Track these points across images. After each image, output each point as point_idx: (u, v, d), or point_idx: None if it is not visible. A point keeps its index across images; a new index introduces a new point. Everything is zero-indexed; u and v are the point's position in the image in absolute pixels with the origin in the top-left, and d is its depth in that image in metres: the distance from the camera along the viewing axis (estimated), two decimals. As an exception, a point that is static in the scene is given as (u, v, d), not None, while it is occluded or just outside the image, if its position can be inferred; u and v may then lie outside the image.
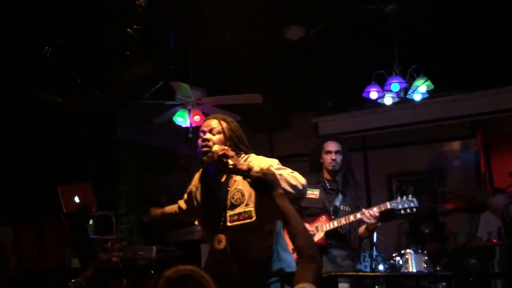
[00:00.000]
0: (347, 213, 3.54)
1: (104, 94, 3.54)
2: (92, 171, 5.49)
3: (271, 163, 2.42)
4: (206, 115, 5.14)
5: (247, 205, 2.46)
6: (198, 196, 2.65)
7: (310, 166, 3.79)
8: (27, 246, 4.82)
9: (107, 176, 5.78)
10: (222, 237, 2.47)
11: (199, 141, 2.56)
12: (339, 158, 3.63)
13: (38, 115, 4.89)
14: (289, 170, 2.39)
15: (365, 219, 3.40)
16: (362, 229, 3.58)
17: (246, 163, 2.31)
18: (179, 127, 5.23)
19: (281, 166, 2.42)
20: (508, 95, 5.81)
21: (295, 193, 2.30)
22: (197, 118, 5.04)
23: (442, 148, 6.72)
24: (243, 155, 2.53)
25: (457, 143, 6.68)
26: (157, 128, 5.81)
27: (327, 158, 3.64)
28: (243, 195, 2.47)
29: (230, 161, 2.27)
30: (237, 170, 2.26)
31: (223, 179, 2.54)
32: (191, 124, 5.08)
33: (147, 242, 4.94)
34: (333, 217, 3.55)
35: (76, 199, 4.28)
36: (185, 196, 2.81)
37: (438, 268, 4.36)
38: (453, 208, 5.09)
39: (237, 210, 2.47)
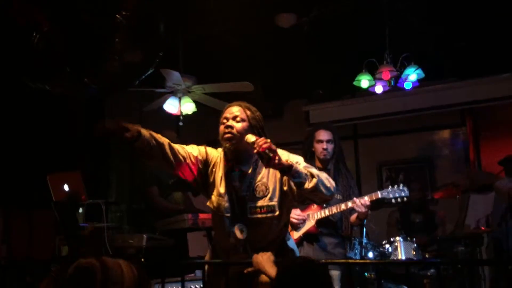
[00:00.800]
0: (339, 202, 3.56)
1: (93, 82, 3.51)
2: (82, 159, 5.46)
3: (297, 160, 2.38)
4: (197, 103, 5.18)
5: (271, 199, 2.44)
6: (220, 179, 2.51)
7: (303, 155, 3.79)
8: (18, 235, 4.81)
9: (97, 164, 5.75)
10: (242, 227, 2.43)
11: (221, 127, 2.47)
12: (330, 147, 3.63)
13: (27, 103, 4.85)
14: (317, 170, 2.34)
15: (356, 208, 3.42)
16: (353, 217, 3.60)
17: (287, 159, 2.26)
18: (170, 115, 5.21)
19: (308, 165, 2.39)
20: (498, 83, 5.83)
21: (328, 196, 2.29)
22: (187, 106, 5.02)
23: (432, 137, 6.74)
24: None
25: (447, 131, 6.71)
26: (147, 116, 5.77)
27: (319, 147, 3.64)
28: (267, 188, 2.45)
29: (276, 157, 2.18)
30: (279, 165, 2.20)
31: (249, 171, 2.48)
32: (181, 112, 5.06)
33: (137, 230, 4.94)
34: (324, 205, 3.56)
35: (66, 188, 4.26)
36: (191, 150, 2.52)
37: (427, 256, 4.41)
38: (443, 196, 5.12)
39: (260, 203, 2.44)
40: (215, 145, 2.64)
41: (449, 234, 5.01)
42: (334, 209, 3.50)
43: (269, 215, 2.43)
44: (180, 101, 5.03)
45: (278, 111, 7.35)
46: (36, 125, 5.12)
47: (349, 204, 3.46)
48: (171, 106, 5.04)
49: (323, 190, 2.24)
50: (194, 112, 5.18)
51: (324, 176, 2.31)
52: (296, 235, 3.56)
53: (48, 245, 4.68)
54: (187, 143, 2.64)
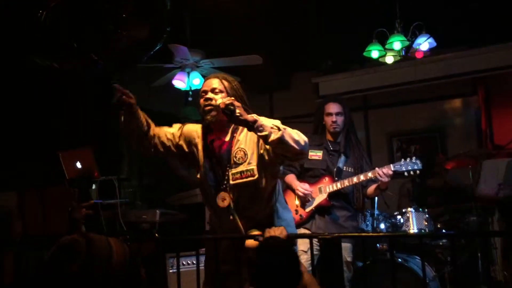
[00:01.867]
0: (350, 174, 3.55)
1: (101, 58, 3.49)
2: (93, 136, 5.48)
3: (277, 123, 2.43)
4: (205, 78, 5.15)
5: (249, 163, 2.51)
6: (200, 151, 2.63)
7: (314, 128, 3.78)
8: (32, 212, 4.86)
9: (108, 141, 5.77)
10: (226, 195, 2.53)
11: (201, 100, 2.58)
12: (340, 119, 3.61)
13: (37, 80, 4.84)
14: (287, 127, 2.41)
15: (379, 178, 3.39)
16: (371, 188, 3.58)
17: (252, 115, 2.34)
18: (179, 90, 5.19)
19: (279, 122, 2.43)
20: (509, 51, 5.73)
21: (297, 148, 2.32)
22: (196, 81, 4.99)
23: (443, 106, 6.67)
24: None
25: (459, 100, 6.63)
26: (156, 91, 5.76)
27: (328, 120, 3.63)
28: (245, 154, 2.52)
29: (237, 110, 2.29)
30: (243, 120, 2.30)
31: (226, 138, 2.57)
32: (190, 87, 5.04)
33: (150, 206, 4.99)
34: (336, 178, 3.56)
35: (78, 165, 4.29)
36: (175, 130, 2.70)
37: (438, 226, 4.41)
38: (456, 166, 5.10)
39: (240, 169, 2.51)
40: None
41: (461, 203, 5.01)
42: (346, 182, 3.50)
43: (249, 179, 2.50)
44: (188, 76, 5.00)
45: (286, 83, 7.30)
46: (46, 103, 5.13)
47: (362, 177, 3.45)
48: (180, 81, 5.02)
49: (291, 142, 2.29)
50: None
51: (294, 131, 2.36)
52: (308, 208, 3.57)
53: (62, 221, 4.73)
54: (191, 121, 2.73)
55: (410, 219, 4.06)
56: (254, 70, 5.45)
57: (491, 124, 6.28)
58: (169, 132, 2.68)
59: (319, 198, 3.55)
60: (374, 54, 4.77)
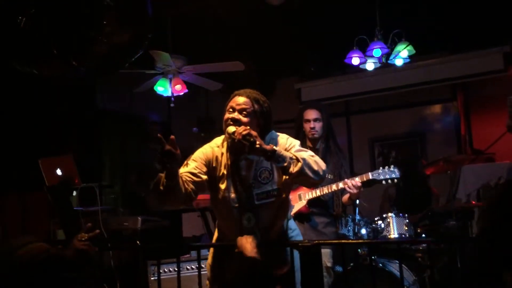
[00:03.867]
0: (330, 181, 3.57)
1: (82, 65, 3.47)
2: (74, 142, 5.44)
3: (294, 144, 2.41)
4: (188, 84, 5.15)
5: (274, 183, 2.45)
6: (222, 170, 2.47)
7: (294, 134, 3.80)
8: (12, 218, 4.81)
9: (89, 147, 5.73)
10: (251, 215, 2.43)
11: (227, 115, 2.42)
12: (318, 125, 3.63)
13: (18, 86, 4.79)
14: (309, 153, 2.37)
15: (348, 190, 3.44)
16: (345, 197, 3.62)
17: (270, 144, 2.29)
18: (161, 96, 5.18)
19: (302, 149, 2.41)
20: (488, 57, 5.84)
21: (316, 179, 2.30)
22: (178, 87, 4.99)
23: (424, 112, 6.77)
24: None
25: (438, 106, 6.73)
26: (138, 97, 5.74)
27: (307, 127, 3.65)
28: (270, 173, 2.45)
29: (257, 142, 2.22)
30: (261, 151, 2.23)
31: (255, 158, 2.45)
32: (172, 93, 5.03)
33: (132, 213, 4.96)
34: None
35: (58, 172, 4.25)
36: (195, 166, 2.44)
37: (419, 230, 4.46)
38: (435, 171, 5.16)
39: (265, 188, 2.45)
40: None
41: (441, 208, 5.07)
42: (325, 190, 3.52)
43: (275, 198, 2.45)
44: (170, 82, 5.00)
45: (270, 89, 7.32)
46: (27, 109, 5.08)
47: (340, 185, 3.48)
48: (162, 87, 5.01)
49: (310, 173, 2.26)
50: (185, 93, 5.16)
51: (312, 159, 2.30)
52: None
53: (42, 228, 4.69)
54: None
55: (391, 224, 4.09)
56: (237, 76, 5.48)
57: (470, 129, 6.39)
58: (192, 170, 2.42)
59: (299, 205, 3.57)
60: (355, 61, 4.82)
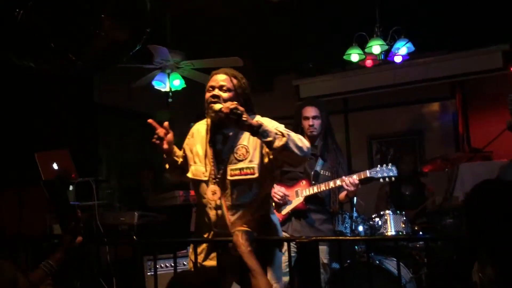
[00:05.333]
0: (327, 178, 3.57)
1: (80, 59, 3.45)
2: (71, 137, 5.42)
3: (278, 125, 2.41)
4: (186, 79, 5.13)
5: (250, 161, 2.46)
6: (198, 148, 2.58)
7: (293, 131, 3.79)
8: (8, 212, 4.78)
9: (86, 142, 5.71)
10: (217, 188, 2.46)
11: (207, 95, 2.49)
12: (316, 123, 3.62)
13: (15, 80, 4.77)
14: (294, 133, 2.39)
15: (345, 187, 3.43)
16: (342, 195, 3.62)
17: (256, 119, 2.32)
18: (159, 91, 5.16)
19: (288, 130, 2.41)
20: (486, 56, 5.84)
21: (300, 155, 2.31)
22: (176, 82, 4.97)
23: (422, 110, 6.77)
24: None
25: (436, 104, 6.73)
26: (136, 92, 5.72)
27: (305, 124, 3.64)
28: (247, 151, 2.47)
29: (244, 116, 2.25)
30: (248, 125, 2.26)
31: (230, 133, 2.51)
32: (170, 88, 5.02)
33: (129, 208, 4.95)
34: (313, 182, 3.58)
35: (55, 166, 4.23)
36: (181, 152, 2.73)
37: (416, 228, 4.46)
38: (432, 169, 5.16)
39: (240, 165, 2.46)
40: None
41: (438, 206, 5.07)
42: (323, 186, 3.52)
43: (248, 176, 2.45)
44: (169, 77, 4.98)
45: (268, 86, 7.31)
46: (23, 103, 5.05)
47: (338, 182, 3.47)
48: (160, 82, 4.99)
49: (294, 149, 2.28)
50: (183, 88, 5.14)
51: (297, 136, 2.34)
52: (284, 211, 3.58)
53: (39, 223, 4.67)
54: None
55: (388, 222, 4.09)
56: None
57: (468, 127, 6.39)
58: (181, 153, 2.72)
59: (296, 201, 3.57)
60: (354, 57, 4.81)
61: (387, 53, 4.78)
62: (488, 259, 1.53)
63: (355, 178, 3.44)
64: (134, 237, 3.93)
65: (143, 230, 4.09)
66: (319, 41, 5.74)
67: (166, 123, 2.52)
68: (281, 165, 2.49)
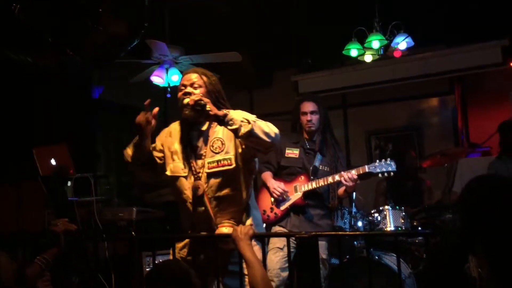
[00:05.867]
0: (326, 173, 3.56)
1: (77, 54, 3.43)
2: (69, 133, 5.39)
3: (248, 116, 2.43)
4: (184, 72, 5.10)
5: (226, 152, 2.53)
6: (175, 146, 2.63)
7: (291, 126, 3.79)
8: (6, 208, 4.76)
9: (84, 138, 5.69)
10: (200, 183, 2.51)
11: (180, 94, 2.57)
12: (315, 118, 3.62)
13: (13, 75, 4.74)
14: (258, 119, 2.43)
15: (344, 182, 3.43)
16: (341, 190, 3.62)
17: (223, 110, 2.39)
18: (157, 86, 5.14)
19: (258, 119, 2.45)
20: (486, 50, 5.82)
21: (268, 141, 2.36)
22: (175, 77, 4.95)
23: (421, 105, 6.76)
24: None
25: (435, 99, 6.72)
26: (134, 87, 5.69)
27: (304, 119, 3.64)
28: (223, 143, 2.54)
29: (208, 106, 2.34)
30: (213, 115, 2.34)
31: (204, 127, 2.59)
32: (168, 83, 4.99)
33: (127, 203, 4.93)
34: (312, 177, 3.57)
35: (53, 161, 4.21)
36: (154, 145, 2.75)
37: (415, 223, 4.46)
38: (431, 165, 5.16)
39: (216, 158, 2.53)
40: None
41: (437, 202, 5.07)
42: (321, 182, 3.51)
43: (226, 167, 2.51)
44: (167, 72, 4.96)
45: (267, 81, 7.29)
46: (21, 98, 5.03)
47: (336, 177, 3.47)
48: (158, 77, 4.97)
49: (261, 135, 2.33)
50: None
51: (264, 123, 2.39)
52: (283, 206, 3.58)
53: (37, 218, 4.65)
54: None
55: (387, 217, 4.09)
56: (235, 68, 5.44)
57: (467, 123, 6.38)
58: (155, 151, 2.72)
59: (294, 197, 3.56)
60: (353, 52, 4.80)
61: (386, 48, 4.76)
62: (482, 255, 1.53)
63: (353, 173, 3.43)
64: (133, 232, 3.92)
65: (142, 226, 4.08)
66: (318, 36, 5.71)
67: (156, 110, 2.57)
68: (253, 153, 2.54)
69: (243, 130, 2.31)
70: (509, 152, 4.24)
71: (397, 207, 4.11)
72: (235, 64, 4.99)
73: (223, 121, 2.35)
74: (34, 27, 3.24)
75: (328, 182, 3.51)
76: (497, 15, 5.12)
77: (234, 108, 2.54)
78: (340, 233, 3.61)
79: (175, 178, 2.60)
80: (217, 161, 2.52)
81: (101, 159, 6.14)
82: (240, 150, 2.52)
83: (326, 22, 5.39)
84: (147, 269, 3.73)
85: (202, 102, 2.36)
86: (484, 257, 1.51)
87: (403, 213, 4.11)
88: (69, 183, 4.47)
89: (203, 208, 2.52)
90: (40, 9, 3.21)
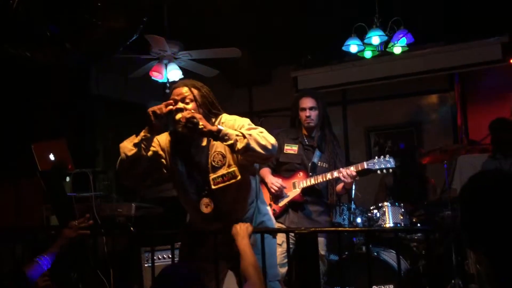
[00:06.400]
0: (325, 170, 3.56)
1: (76, 48, 3.41)
2: (67, 128, 5.38)
3: (242, 123, 2.44)
4: (183, 70, 5.09)
5: (229, 166, 2.48)
6: (177, 161, 2.56)
7: (290, 122, 3.77)
8: (5, 204, 4.76)
9: (83, 133, 5.67)
10: (209, 200, 2.48)
11: (167, 108, 2.45)
12: (314, 114, 3.61)
13: (11, 70, 4.73)
14: (259, 130, 2.40)
15: (342, 179, 3.42)
16: (339, 187, 3.61)
17: (216, 124, 2.36)
18: (156, 82, 5.12)
19: (252, 126, 2.44)
20: (486, 47, 5.80)
21: (264, 153, 2.32)
22: (173, 72, 4.93)
23: (420, 102, 6.75)
24: (215, 119, 2.53)
25: (435, 96, 6.71)
26: (133, 83, 5.67)
27: (302, 115, 3.62)
28: (224, 156, 2.49)
29: (200, 123, 2.29)
30: (207, 132, 2.30)
31: (203, 143, 2.52)
32: (167, 79, 4.97)
33: (126, 199, 4.92)
34: (310, 173, 3.56)
35: (51, 157, 4.20)
36: (153, 151, 2.58)
37: (414, 220, 4.45)
38: (431, 161, 5.15)
39: (220, 172, 2.48)
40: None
41: (436, 198, 5.06)
42: (320, 178, 3.51)
43: (231, 181, 2.48)
44: (166, 68, 4.94)
45: (267, 77, 7.28)
46: (20, 93, 5.01)
47: (335, 173, 3.46)
48: (157, 73, 4.95)
49: (258, 148, 2.29)
50: (180, 79, 5.09)
51: (260, 135, 2.34)
52: (281, 203, 3.57)
53: (35, 213, 4.65)
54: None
55: (386, 214, 4.09)
56: (234, 64, 5.42)
57: (467, 120, 6.38)
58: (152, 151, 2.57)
59: (293, 193, 3.55)
60: (353, 48, 4.78)
61: (386, 44, 4.75)
62: (481, 251, 1.53)
63: (352, 169, 3.43)
64: (132, 228, 3.91)
65: (141, 222, 4.07)
66: (318, 32, 5.69)
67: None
68: (252, 162, 2.52)
69: (239, 145, 2.28)
70: (502, 151, 4.24)
71: (396, 203, 4.11)
72: (234, 60, 4.97)
73: (217, 136, 2.31)
74: (32, 21, 3.22)
75: (327, 179, 3.50)
76: (497, 11, 5.11)
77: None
78: (339, 228, 3.61)
79: (184, 195, 2.59)
80: (222, 176, 2.48)
81: (100, 154, 6.12)
82: (240, 158, 2.46)
83: (325, 18, 5.37)
84: (146, 265, 3.73)
85: (194, 120, 2.30)
86: (484, 253, 1.51)
87: (402, 210, 4.10)
88: (67, 179, 4.46)
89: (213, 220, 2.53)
90: (39, 3, 3.19)
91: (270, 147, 2.33)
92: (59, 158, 4.19)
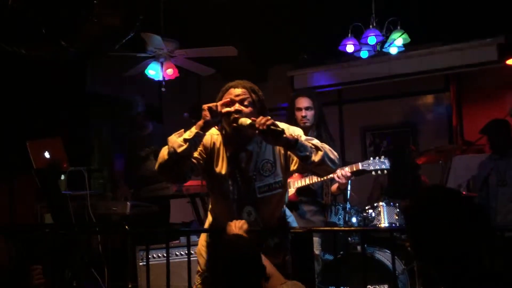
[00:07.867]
0: (320, 170, 3.55)
1: (71, 45, 3.40)
2: (62, 126, 5.36)
3: (298, 133, 2.34)
4: (179, 68, 5.08)
5: (277, 175, 2.41)
6: (221, 163, 2.42)
7: (286, 121, 3.77)
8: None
9: (78, 131, 5.65)
10: (251, 208, 2.42)
11: (227, 110, 2.35)
12: (309, 114, 3.60)
13: (6, 67, 4.71)
14: (321, 143, 2.32)
15: (337, 179, 3.43)
16: (334, 187, 3.62)
17: (290, 134, 2.24)
18: (152, 80, 5.11)
19: (308, 137, 2.36)
20: (482, 48, 5.82)
21: (333, 168, 2.28)
22: (169, 71, 4.92)
23: (416, 102, 6.77)
24: None
25: (431, 96, 6.73)
26: (129, 81, 5.66)
27: (298, 115, 3.62)
28: (272, 165, 2.40)
29: (285, 134, 2.16)
30: (286, 141, 2.17)
31: (250, 148, 2.41)
32: (163, 77, 4.96)
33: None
34: (305, 173, 3.56)
35: (46, 155, 4.18)
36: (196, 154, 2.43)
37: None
38: (426, 161, 5.16)
39: (267, 181, 2.40)
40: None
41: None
42: (315, 178, 3.50)
43: (277, 191, 2.42)
44: (162, 66, 4.92)
45: (262, 76, 7.27)
46: (15, 91, 4.99)
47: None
48: (153, 71, 4.93)
49: (329, 163, 2.23)
50: (176, 77, 5.08)
51: (327, 148, 2.28)
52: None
53: (29, 211, 4.63)
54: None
55: (381, 213, 4.09)
56: (230, 62, 5.41)
57: (462, 120, 6.40)
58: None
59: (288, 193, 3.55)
60: (349, 48, 4.78)
61: (383, 44, 4.75)
62: (430, 265, 1.54)
63: (347, 170, 3.43)
64: (126, 226, 3.90)
65: (136, 220, 4.06)
66: (314, 31, 5.69)
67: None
68: (318, 174, 2.52)
69: (315, 158, 2.18)
70: (498, 151, 4.28)
71: (391, 203, 4.11)
72: (230, 58, 4.96)
73: (293, 147, 2.18)
74: (27, 18, 3.21)
75: (322, 179, 3.50)
76: (493, 12, 5.13)
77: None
78: (335, 228, 3.61)
79: (223, 200, 2.48)
80: (268, 185, 2.39)
81: (95, 152, 6.11)
82: (283, 163, 2.38)
83: (322, 18, 5.37)
84: (140, 264, 3.72)
85: (278, 128, 2.13)
86: (431, 266, 1.52)
87: (397, 210, 4.11)
88: (62, 177, 4.44)
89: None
90: (34, 0, 3.18)
91: (337, 162, 2.29)
92: (54, 156, 4.17)
